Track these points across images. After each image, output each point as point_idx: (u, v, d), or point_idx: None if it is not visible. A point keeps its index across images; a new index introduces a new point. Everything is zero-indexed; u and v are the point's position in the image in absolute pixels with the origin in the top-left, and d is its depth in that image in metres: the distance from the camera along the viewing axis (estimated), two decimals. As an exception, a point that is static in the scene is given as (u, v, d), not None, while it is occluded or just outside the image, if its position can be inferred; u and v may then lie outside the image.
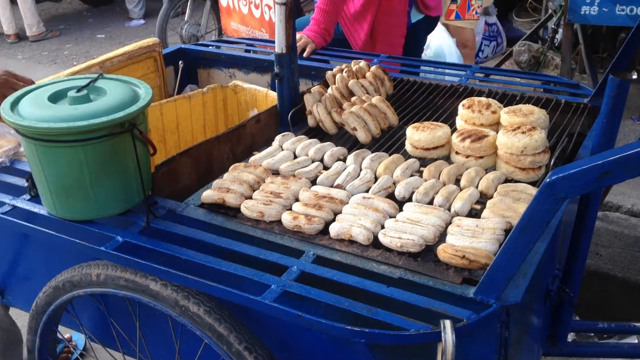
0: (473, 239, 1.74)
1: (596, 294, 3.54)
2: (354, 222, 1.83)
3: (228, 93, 3.31)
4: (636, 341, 3.01)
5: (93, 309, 2.21)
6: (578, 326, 2.81)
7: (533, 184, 2.13)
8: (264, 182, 2.09)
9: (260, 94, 3.17)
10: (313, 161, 2.23)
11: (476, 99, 2.40)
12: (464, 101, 2.39)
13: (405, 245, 1.75)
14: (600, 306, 3.58)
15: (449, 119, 2.56)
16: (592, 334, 3.64)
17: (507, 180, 2.13)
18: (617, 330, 2.75)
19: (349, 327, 1.52)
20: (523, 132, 2.11)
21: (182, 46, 3.57)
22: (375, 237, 1.82)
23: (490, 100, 2.39)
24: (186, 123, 3.19)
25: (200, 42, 3.95)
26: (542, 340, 2.55)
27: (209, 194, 2.00)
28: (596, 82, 3.88)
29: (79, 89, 1.92)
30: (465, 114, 2.34)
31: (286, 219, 1.88)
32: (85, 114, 1.82)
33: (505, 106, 2.60)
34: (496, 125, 2.34)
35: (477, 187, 2.05)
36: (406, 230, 1.80)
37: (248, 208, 1.93)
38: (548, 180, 1.39)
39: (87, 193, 1.89)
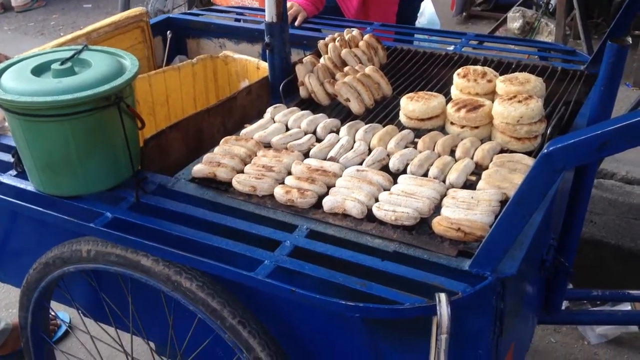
0: (468, 211, 1.72)
1: (590, 262, 3.53)
2: (347, 196, 1.80)
3: (218, 64, 3.25)
4: (629, 308, 3.02)
5: (85, 285, 2.18)
6: (572, 294, 2.82)
7: (529, 153, 2.10)
8: (256, 155, 2.05)
9: (251, 65, 3.11)
10: (306, 133, 2.19)
11: (471, 67, 2.35)
12: (459, 70, 2.35)
13: (399, 218, 1.72)
14: (594, 273, 3.58)
15: (444, 89, 2.52)
16: (585, 301, 3.66)
17: (502, 151, 2.10)
18: (611, 297, 2.75)
19: (343, 302, 1.50)
20: (519, 101, 2.07)
21: (170, 16, 3.49)
22: (370, 211, 1.79)
23: (486, 68, 2.34)
24: (176, 95, 3.13)
25: (188, 12, 3.86)
26: (537, 309, 2.55)
27: (199, 168, 1.96)
28: (591, 48, 3.82)
29: (63, 62, 1.87)
30: (461, 83, 2.30)
31: (279, 193, 1.84)
32: (70, 88, 1.77)
33: (501, 74, 2.56)
34: (492, 94, 2.30)
35: (472, 158, 2.02)
36: (400, 203, 1.77)
37: (240, 182, 1.89)
38: (546, 151, 1.35)
39: (75, 169, 1.85)
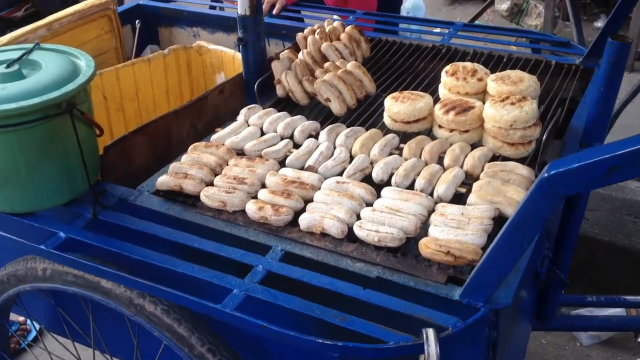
0: (458, 231, 1.56)
1: (582, 259, 3.41)
2: (326, 213, 1.64)
3: (192, 55, 3.05)
4: (624, 312, 2.91)
5: (46, 300, 2.01)
6: (566, 300, 2.68)
7: (523, 160, 1.94)
8: (227, 164, 1.88)
9: (227, 56, 2.91)
10: (282, 138, 2.02)
11: (461, 64, 2.18)
12: (448, 67, 2.18)
13: (383, 239, 1.56)
14: (586, 271, 3.46)
15: (432, 85, 2.35)
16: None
17: (494, 157, 1.95)
18: (606, 303, 2.62)
19: (320, 341, 1.35)
20: (512, 104, 1.91)
21: (140, 2, 3.27)
22: (351, 229, 1.63)
23: (476, 65, 2.17)
24: (146, 89, 2.93)
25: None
26: (530, 318, 2.42)
27: (164, 180, 1.78)
28: (580, 30, 3.65)
29: (9, 64, 1.68)
30: (449, 81, 2.13)
31: (251, 209, 1.68)
32: (16, 95, 1.58)
33: (492, 69, 2.39)
34: (483, 93, 2.14)
35: (462, 166, 1.86)
36: (384, 221, 1.61)
37: (208, 197, 1.72)
38: (546, 175, 1.19)
39: (24, 183, 1.67)
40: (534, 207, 1.25)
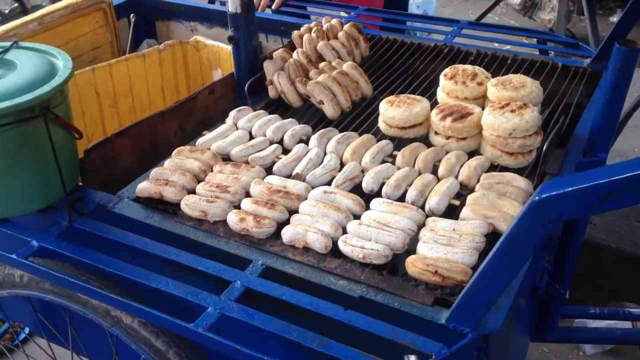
0: (448, 248, 1.48)
1: (587, 265, 3.31)
2: (310, 226, 1.56)
3: (189, 50, 2.97)
4: (629, 324, 2.81)
5: (26, 304, 1.96)
6: (568, 311, 2.59)
7: (522, 170, 1.85)
8: (212, 170, 1.80)
9: (224, 52, 2.84)
10: (271, 143, 1.94)
11: (460, 67, 2.08)
12: (447, 70, 2.08)
13: (368, 256, 1.48)
14: (592, 278, 3.36)
15: (432, 87, 2.26)
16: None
17: (492, 166, 1.86)
18: (609, 316, 2.53)
19: (294, 367, 1.27)
20: (512, 111, 1.82)
21: (138, -5, 3.19)
22: (335, 243, 1.55)
23: (477, 69, 2.08)
24: (141, 85, 2.86)
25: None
26: (529, 332, 2.33)
27: (144, 187, 1.71)
28: (595, 24, 3.54)
29: (-17, 64, 1.61)
30: (448, 85, 2.04)
31: (232, 220, 1.60)
32: (-13, 97, 1.51)
33: (495, 71, 2.30)
34: (483, 98, 2.04)
35: (457, 176, 1.77)
36: (371, 236, 1.53)
37: (189, 206, 1.65)
38: (537, 198, 1.10)
39: (-3, 189, 1.61)
40: (523, 232, 1.16)
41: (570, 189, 1.07)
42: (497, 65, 2.39)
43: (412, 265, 1.45)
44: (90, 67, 2.67)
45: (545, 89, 2.18)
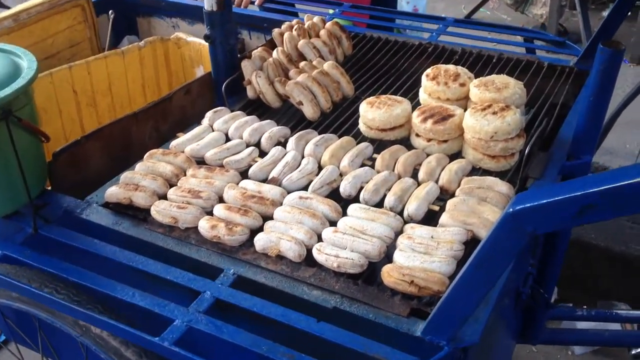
0: (425, 257, 1.43)
1: (576, 265, 3.27)
2: (284, 234, 1.51)
3: (170, 47, 2.91)
4: (618, 326, 2.78)
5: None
6: (555, 313, 2.55)
7: (504, 173, 1.81)
8: (185, 174, 1.75)
9: (207, 49, 2.72)
10: (248, 145, 1.88)
11: (443, 67, 2.03)
12: (429, 71, 2.03)
13: (343, 265, 1.43)
14: (580, 278, 3.32)
15: (414, 87, 2.20)
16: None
17: (474, 169, 1.81)
18: (597, 317, 2.48)
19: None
20: (494, 113, 1.77)
21: (117, -9, 3.12)
22: (310, 252, 1.50)
23: (459, 69, 2.02)
24: (120, 83, 2.80)
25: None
26: (514, 336, 2.29)
27: (113, 192, 1.65)
28: (587, 19, 3.48)
29: (-56, 66, 1.55)
30: (430, 86, 1.98)
31: (203, 227, 1.55)
32: (-53, 101, 1.45)
33: (480, 70, 2.25)
34: (465, 99, 1.99)
35: (437, 180, 1.72)
36: (346, 244, 1.48)
37: (159, 212, 1.59)
38: (511, 210, 1.06)
39: (-41, 195, 1.55)
40: (498, 245, 1.11)
41: (545, 200, 1.02)
42: (482, 64, 2.34)
43: (388, 275, 1.40)
44: (67, 65, 2.60)
45: (531, 88, 2.14)
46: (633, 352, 2.99)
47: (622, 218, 3.32)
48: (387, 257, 1.51)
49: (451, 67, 2.03)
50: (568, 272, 3.09)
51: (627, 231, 3.26)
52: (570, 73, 2.29)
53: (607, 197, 0.97)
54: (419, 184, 1.71)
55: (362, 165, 1.80)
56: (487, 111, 1.78)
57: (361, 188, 1.69)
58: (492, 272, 1.16)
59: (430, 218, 1.63)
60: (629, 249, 3.23)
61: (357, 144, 1.88)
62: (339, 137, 1.91)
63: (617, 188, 0.96)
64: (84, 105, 2.69)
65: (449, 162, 1.79)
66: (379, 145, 1.91)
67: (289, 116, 2.10)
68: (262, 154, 1.86)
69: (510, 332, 2.15)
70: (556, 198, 1.01)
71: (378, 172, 1.75)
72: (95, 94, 2.72)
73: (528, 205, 1.04)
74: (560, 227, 1.07)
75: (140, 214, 1.65)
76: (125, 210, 1.66)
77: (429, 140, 1.85)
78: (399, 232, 1.55)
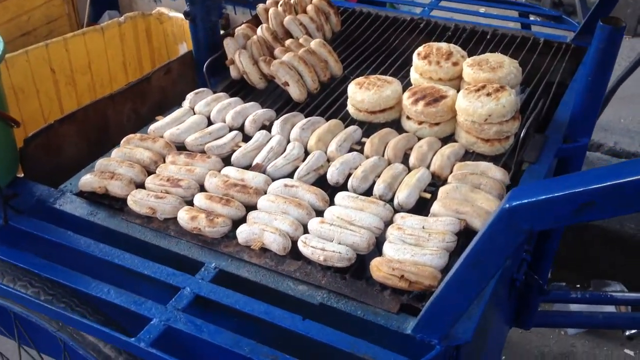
0: (416, 249, 1.36)
1: (573, 245, 3.22)
2: (268, 225, 1.43)
3: (151, 23, 2.81)
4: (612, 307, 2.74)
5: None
6: (549, 296, 2.50)
7: (499, 157, 1.73)
8: (164, 161, 1.67)
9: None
10: (231, 129, 1.80)
11: (435, 45, 1.94)
12: (420, 49, 1.94)
13: (329, 259, 1.36)
14: (576, 258, 3.28)
15: (406, 65, 2.12)
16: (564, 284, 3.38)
17: (467, 153, 1.73)
18: (592, 300, 2.44)
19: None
20: (488, 94, 1.69)
21: (97, -36, 3.00)
22: (295, 244, 1.42)
23: (452, 47, 1.94)
24: (100, 61, 2.70)
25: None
26: (508, 320, 2.24)
27: (88, 180, 1.57)
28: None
29: None
30: (421, 65, 1.90)
31: (183, 218, 1.47)
32: None
33: (474, 47, 2.17)
34: (458, 79, 1.91)
35: (429, 165, 1.65)
36: (333, 236, 1.40)
37: (136, 202, 1.51)
38: (507, 205, 0.98)
39: None
40: (492, 243, 1.04)
41: (543, 197, 0.95)
42: (475, 40, 2.25)
43: (377, 269, 1.33)
44: (44, 42, 2.50)
45: (526, 66, 2.05)
46: (627, 332, 2.96)
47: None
48: (377, 248, 1.44)
49: (443, 45, 1.94)
50: (562, 251, 3.05)
51: (622, 209, 3.21)
52: (567, 50, 2.21)
53: (607, 195, 0.90)
54: (409, 170, 1.64)
55: (351, 150, 1.72)
56: (481, 92, 1.70)
57: (350, 175, 1.61)
58: (486, 270, 1.09)
59: (422, 206, 1.56)
60: (624, 228, 3.18)
61: (346, 127, 1.80)
62: (327, 119, 1.82)
63: (617, 185, 0.89)
64: (62, 84, 2.60)
65: (441, 146, 1.71)
66: (369, 128, 1.83)
67: (275, 97, 2.01)
68: (246, 138, 1.77)
69: (503, 319, 2.10)
70: (554, 195, 0.94)
71: (367, 157, 1.67)
72: (74, 73, 2.62)
73: (525, 201, 0.97)
74: (557, 224, 1.00)
75: (116, 204, 1.56)
76: (101, 199, 1.57)
77: (421, 123, 1.77)
78: (388, 222, 1.48)
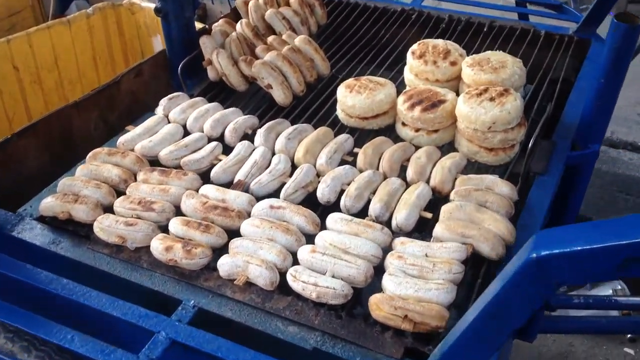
0: (420, 283, 1.21)
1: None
2: (253, 255, 1.28)
3: (122, 14, 2.61)
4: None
5: None
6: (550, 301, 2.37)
7: (503, 166, 1.59)
8: (135, 179, 1.50)
9: (163, 16, 2.47)
10: (209, 139, 1.63)
11: (430, 43, 1.78)
12: (415, 47, 1.78)
13: (323, 296, 1.21)
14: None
15: (398, 62, 1.96)
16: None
17: (468, 163, 1.59)
18: (595, 305, 2.31)
19: None
20: (491, 99, 1.53)
21: (62, -50, 2.78)
22: (284, 275, 1.27)
23: (449, 44, 1.78)
24: (68, 56, 2.50)
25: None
26: (511, 337, 2.11)
27: (49, 205, 1.40)
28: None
29: None
30: (417, 65, 1.74)
31: (157, 249, 1.31)
32: None
33: (470, 39, 2.01)
34: (457, 80, 1.75)
35: (428, 179, 1.50)
36: (326, 267, 1.25)
37: (104, 230, 1.35)
38: (534, 255, 0.84)
39: None
40: (516, 295, 0.89)
41: (578, 248, 0.80)
42: (471, 33, 2.10)
43: (377, 307, 1.18)
44: (5, 37, 2.30)
45: (527, 61, 1.90)
46: (628, 335, 2.86)
47: (616, 190, 3.15)
48: (375, 276, 1.29)
49: (440, 43, 1.78)
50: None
51: (621, 203, 3.10)
52: (569, 43, 2.06)
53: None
54: (407, 184, 1.49)
55: (342, 162, 1.56)
56: (484, 97, 1.54)
57: (342, 191, 1.46)
58: (508, 322, 0.95)
59: (422, 223, 1.41)
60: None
61: (335, 134, 1.64)
62: (315, 126, 1.66)
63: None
64: (27, 82, 2.40)
65: (441, 157, 1.56)
66: (360, 135, 1.67)
67: (257, 100, 1.85)
68: (227, 149, 1.61)
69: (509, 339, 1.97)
70: (592, 246, 0.79)
71: (360, 170, 1.52)
72: (40, 70, 2.43)
73: (557, 252, 0.82)
74: (596, 279, 0.85)
75: (82, 230, 1.40)
76: (65, 225, 1.41)
77: (417, 130, 1.62)
78: (387, 248, 1.33)
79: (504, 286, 0.90)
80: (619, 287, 2.94)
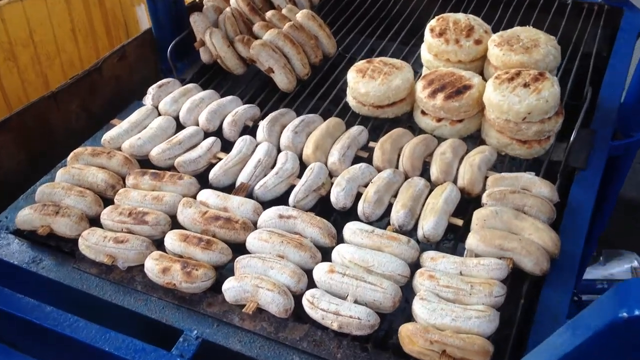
0: (457, 310, 1.05)
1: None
2: (262, 277, 1.11)
3: (103, -18, 2.38)
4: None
5: None
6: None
7: (537, 163, 1.42)
8: (123, 184, 1.32)
9: (148, -16, 2.25)
10: (206, 134, 1.44)
11: (451, 17, 1.59)
12: (433, 22, 1.59)
13: (346, 326, 1.05)
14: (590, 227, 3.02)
15: (412, 37, 1.77)
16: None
17: (497, 156, 1.42)
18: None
19: None
20: (525, 85, 1.35)
21: None
22: (299, 298, 1.11)
23: (472, 19, 1.58)
24: (44, 30, 2.28)
25: None
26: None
27: (27, 217, 1.22)
28: None
29: None
30: (436, 45, 1.55)
31: (152, 270, 1.14)
32: None
33: (488, 11, 1.82)
34: (482, 60, 1.57)
35: (455, 178, 1.33)
36: (347, 290, 1.09)
37: (90, 247, 1.17)
38: (625, 315, 0.68)
39: None
40: (594, 357, 0.73)
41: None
42: (492, 2, 1.89)
43: (410, 341, 1.03)
44: (-27, 12, 2.08)
45: (556, 33, 1.71)
46: None
47: (637, 162, 2.98)
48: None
49: (462, 18, 1.58)
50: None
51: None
52: (600, 12, 1.87)
53: None
54: (430, 183, 1.32)
55: (356, 158, 1.39)
56: (516, 82, 1.36)
57: (359, 194, 1.29)
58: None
59: (450, 228, 1.25)
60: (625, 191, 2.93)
61: (347, 125, 1.46)
62: (323, 116, 1.48)
63: None
64: (0, 60, 2.18)
65: (467, 150, 1.39)
66: (375, 124, 1.50)
67: (258, 84, 1.66)
68: (226, 144, 1.43)
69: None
70: None
71: (378, 169, 1.34)
72: (14, 46, 2.21)
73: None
74: None
75: (65, 246, 1.23)
76: (46, 240, 1.23)
77: (439, 120, 1.44)
78: (414, 264, 1.16)
79: (578, 347, 0.74)
80: (636, 263, 2.82)
